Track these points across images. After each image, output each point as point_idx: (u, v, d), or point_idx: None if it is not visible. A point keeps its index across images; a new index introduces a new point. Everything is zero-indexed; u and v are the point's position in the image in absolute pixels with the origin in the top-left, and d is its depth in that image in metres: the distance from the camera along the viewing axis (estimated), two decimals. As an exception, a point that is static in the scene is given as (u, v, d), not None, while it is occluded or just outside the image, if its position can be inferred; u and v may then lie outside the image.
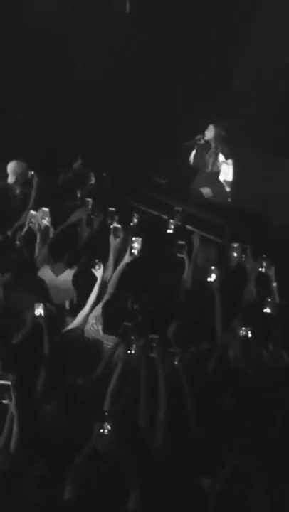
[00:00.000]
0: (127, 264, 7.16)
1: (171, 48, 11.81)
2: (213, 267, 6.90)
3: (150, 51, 11.92)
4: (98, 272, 7.00)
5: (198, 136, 10.35)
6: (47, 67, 11.81)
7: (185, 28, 11.73)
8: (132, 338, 5.77)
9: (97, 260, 7.04)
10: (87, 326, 6.69)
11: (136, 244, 7.10)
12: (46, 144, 11.30)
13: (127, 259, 7.10)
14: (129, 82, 12.01)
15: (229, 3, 11.71)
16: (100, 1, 12.22)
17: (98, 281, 6.91)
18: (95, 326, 6.66)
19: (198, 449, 5.27)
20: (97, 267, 7.01)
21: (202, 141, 10.34)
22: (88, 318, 6.74)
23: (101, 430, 4.94)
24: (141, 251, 7.12)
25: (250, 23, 11.68)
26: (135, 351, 5.72)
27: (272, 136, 11.11)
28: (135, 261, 7.13)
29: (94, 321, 6.68)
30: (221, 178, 10.52)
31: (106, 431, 4.93)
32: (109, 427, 4.91)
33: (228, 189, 10.57)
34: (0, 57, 11.60)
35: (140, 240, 7.12)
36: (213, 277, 6.82)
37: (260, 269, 7.20)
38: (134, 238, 7.16)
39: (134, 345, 5.73)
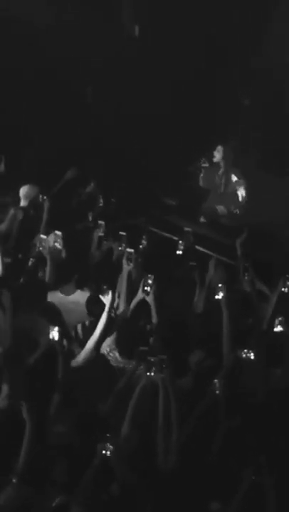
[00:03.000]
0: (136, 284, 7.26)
1: (179, 66, 11.95)
2: (220, 285, 6.94)
3: (157, 70, 12.05)
4: (107, 298, 6.94)
5: (202, 159, 10.41)
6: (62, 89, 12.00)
7: (193, 47, 11.86)
8: (152, 360, 5.79)
9: (105, 287, 7.02)
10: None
11: (149, 281, 7.11)
12: (58, 167, 11.39)
13: (140, 295, 7.12)
14: (137, 103, 12.12)
15: (239, 24, 11.82)
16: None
17: (106, 308, 6.86)
18: (111, 354, 6.67)
19: (209, 472, 5.32)
20: (105, 294, 6.96)
21: (206, 164, 10.40)
22: (102, 347, 6.71)
23: (104, 451, 5.00)
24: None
25: (261, 45, 11.83)
26: (155, 374, 5.73)
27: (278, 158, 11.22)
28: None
29: (108, 350, 6.68)
30: (239, 197, 10.57)
31: (108, 452, 4.99)
32: (111, 448, 4.98)
33: (239, 208, 10.63)
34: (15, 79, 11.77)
35: (153, 277, 7.13)
36: (220, 295, 6.86)
37: (282, 290, 7.18)
38: (148, 276, 7.17)
39: (153, 368, 5.75)
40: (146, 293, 7.07)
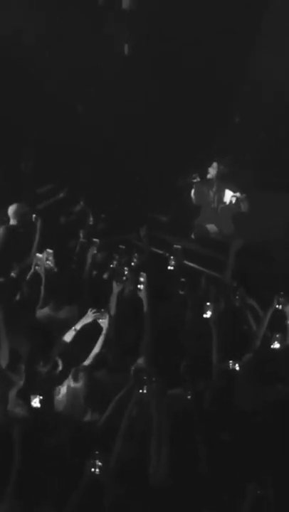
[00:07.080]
0: (127, 301, 7.31)
1: (171, 85, 12.00)
2: (208, 304, 7.02)
3: (149, 88, 12.10)
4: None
5: (194, 175, 10.43)
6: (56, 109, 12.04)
7: (184, 66, 11.92)
8: (144, 378, 5.78)
9: (102, 310, 7.03)
10: None
11: (141, 279, 7.30)
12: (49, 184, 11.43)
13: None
14: (130, 121, 12.18)
15: (230, 41, 11.87)
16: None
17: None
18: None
19: (201, 485, 5.30)
20: (102, 317, 6.96)
21: (197, 179, 10.42)
22: None
23: (92, 469, 4.99)
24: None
25: (251, 59, 11.90)
26: (147, 391, 5.72)
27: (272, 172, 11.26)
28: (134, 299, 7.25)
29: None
30: (235, 210, 10.52)
31: (97, 470, 4.98)
32: (100, 465, 4.97)
33: (232, 225, 10.62)
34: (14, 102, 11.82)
35: (145, 274, 7.28)
36: (208, 314, 6.96)
37: (277, 306, 7.18)
38: (141, 273, 7.36)
39: (145, 386, 5.73)
40: (139, 289, 7.29)
